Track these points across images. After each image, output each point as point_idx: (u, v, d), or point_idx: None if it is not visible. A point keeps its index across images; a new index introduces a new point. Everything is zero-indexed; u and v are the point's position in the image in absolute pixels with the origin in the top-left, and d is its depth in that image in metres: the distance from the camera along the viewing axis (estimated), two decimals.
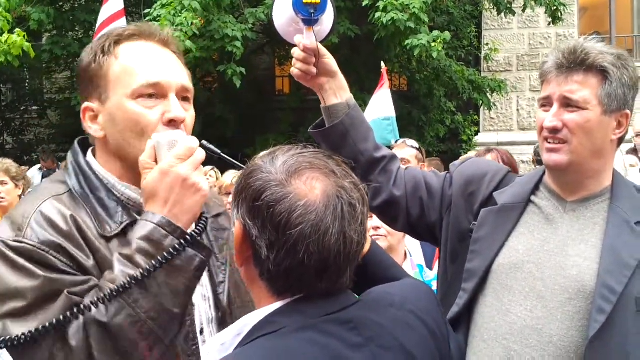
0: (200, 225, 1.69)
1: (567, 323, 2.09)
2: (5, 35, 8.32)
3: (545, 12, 12.58)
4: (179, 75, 1.85)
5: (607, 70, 2.13)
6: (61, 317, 1.55)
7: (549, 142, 2.19)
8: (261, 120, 14.82)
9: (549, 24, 13.18)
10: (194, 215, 1.67)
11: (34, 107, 18.63)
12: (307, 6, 2.17)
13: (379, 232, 3.60)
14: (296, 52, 2.25)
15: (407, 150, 5.53)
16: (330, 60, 2.28)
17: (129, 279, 1.55)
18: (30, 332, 1.54)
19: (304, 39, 2.22)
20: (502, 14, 13.24)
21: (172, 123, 1.78)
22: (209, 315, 1.92)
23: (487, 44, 15.26)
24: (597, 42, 2.19)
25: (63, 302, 1.58)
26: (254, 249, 1.37)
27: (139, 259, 1.58)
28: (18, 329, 1.56)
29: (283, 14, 2.27)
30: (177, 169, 1.64)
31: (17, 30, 8.50)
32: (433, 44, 10.06)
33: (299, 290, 1.38)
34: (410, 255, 3.92)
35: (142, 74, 1.79)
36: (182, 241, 1.61)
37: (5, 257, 1.63)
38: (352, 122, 2.30)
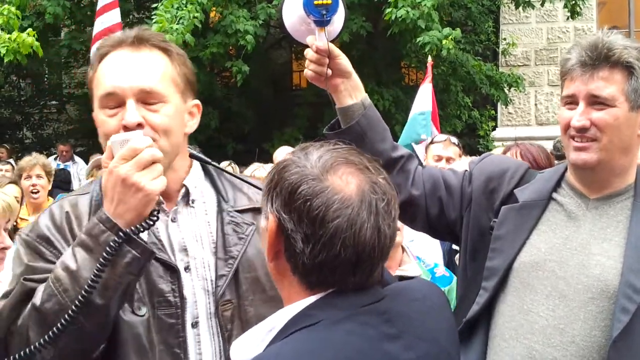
0: (144, 223, 1.72)
1: (590, 323, 2.06)
2: (15, 34, 8.36)
3: (564, 7, 12.46)
4: (136, 80, 1.85)
5: (633, 66, 2.10)
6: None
7: (577, 141, 2.15)
8: (278, 115, 14.77)
9: (567, 18, 13.04)
10: (138, 214, 1.71)
11: (53, 102, 18.69)
12: (318, 7, 2.13)
13: None
14: (309, 54, 2.21)
15: (452, 149, 5.41)
16: (344, 61, 2.24)
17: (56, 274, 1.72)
18: None
19: (317, 41, 2.18)
20: (520, 8, 13.12)
21: (126, 129, 1.82)
22: (209, 309, 1.94)
23: (504, 39, 15.14)
24: (616, 35, 2.16)
25: (20, 287, 1.80)
26: (287, 243, 1.39)
27: (77, 251, 1.71)
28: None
29: (293, 14, 2.23)
30: (118, 169, 1.69)
31: (29, 30, 8.55)
32: (444, 41, 9.95)
33: (332, 284, 1.39)
34: (408, 248, 3.95)
35: (102, 85, 1.87)
36: (116, 238, 1.68)
37: (19, 246, 1.93)
38: (368, 122, 2.27)
